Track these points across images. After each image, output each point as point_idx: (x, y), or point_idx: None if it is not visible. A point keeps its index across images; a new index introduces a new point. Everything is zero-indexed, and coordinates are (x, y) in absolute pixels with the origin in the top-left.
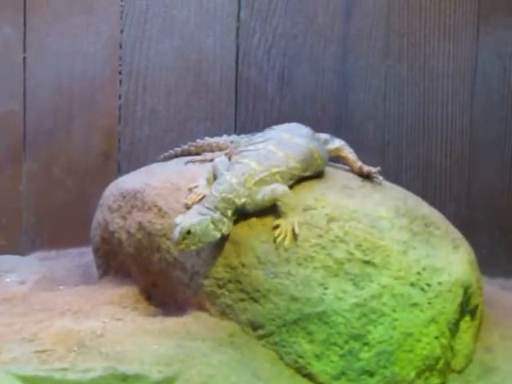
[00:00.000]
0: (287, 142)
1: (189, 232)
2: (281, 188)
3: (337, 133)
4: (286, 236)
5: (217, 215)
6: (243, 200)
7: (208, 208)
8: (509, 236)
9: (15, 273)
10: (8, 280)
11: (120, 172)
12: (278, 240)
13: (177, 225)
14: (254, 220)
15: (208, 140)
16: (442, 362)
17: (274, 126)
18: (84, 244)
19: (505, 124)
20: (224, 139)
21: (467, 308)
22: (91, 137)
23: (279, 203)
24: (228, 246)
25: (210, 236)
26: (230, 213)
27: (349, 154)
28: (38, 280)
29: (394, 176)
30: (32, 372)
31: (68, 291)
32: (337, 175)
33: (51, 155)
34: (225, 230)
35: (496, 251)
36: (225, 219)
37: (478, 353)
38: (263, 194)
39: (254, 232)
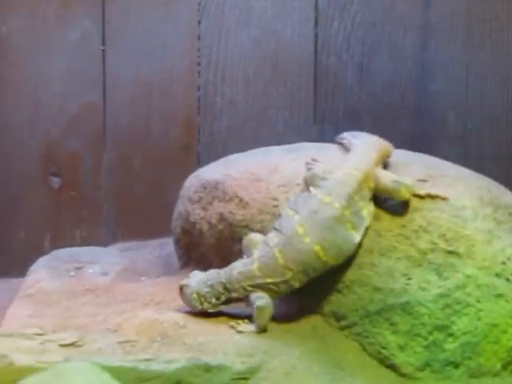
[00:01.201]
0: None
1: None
2: (263, 301)
3: (416, 122)
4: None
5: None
6: (234, 295)
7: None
8: None
9: (97, 264)
10: (91, 271)
11: (200, 163)
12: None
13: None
14: None
15: None
16: None
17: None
18: (164, 235)
19: None
20: None
21: None
22: (170, 128)
23: (255, 314)
24: None
25: (190, 304)
26: (222, 298)
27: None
28: (119, 271)
29: (476, 165)
30: (117, 363)
31: (150, 282)
32: (418, 164)
33: (131, 147)
34: (207, 307)
35: None
36: (214, 301)
37: None
38: (251, 298)
39: None
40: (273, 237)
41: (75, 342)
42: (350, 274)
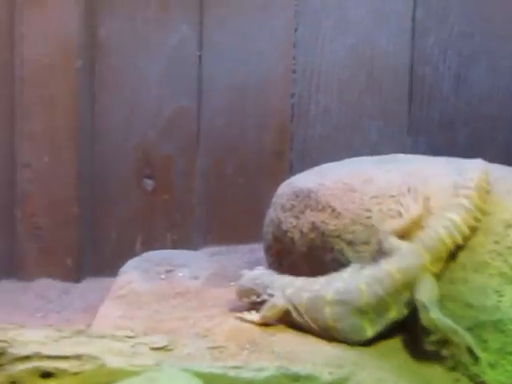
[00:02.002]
0: None
1: None
2: (280, 300)
3: None
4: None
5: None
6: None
7: None
8: None
9: (188, 268)
10: (181, 275)
11: (292, 171)
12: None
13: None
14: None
15: None
16: None
17: None
18: (254, 241)
19: None
20: None
21: None
22: (264, 135)
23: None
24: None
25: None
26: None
27: None
28: (209, 276)
29: None
30: (207, 369)
31: None
32: None
33: (224, 152)
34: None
35: None
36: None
37: None
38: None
39: None
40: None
41: (166, 345)
42: (443, 289)
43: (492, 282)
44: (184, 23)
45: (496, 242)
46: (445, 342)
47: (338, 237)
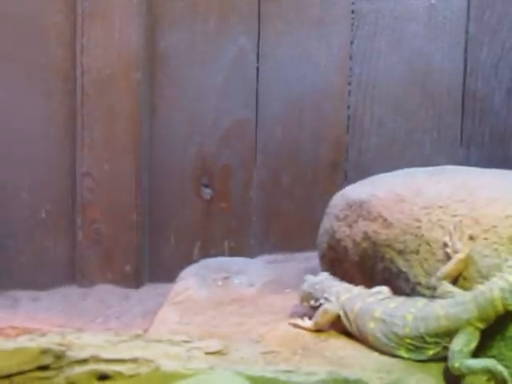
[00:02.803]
0: None
1: None
2: (332, 306)
3: None
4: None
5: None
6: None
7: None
8: None
9: (244, 275)
10: (237, 282)
11: (347, 181)
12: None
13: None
14: (477, 231)
15: None
16: None
17: None
18: (309, 249)
19: None
20: None
21: None
22: (320, 146)
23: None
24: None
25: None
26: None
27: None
28: (265, 283)
29: None
30: (259, 373)
31: (294, 295)
32: None
33: (281, 163)
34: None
35: None
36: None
37: None
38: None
39: (477, 246)
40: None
41: (220, 350)
42: None
43: None
44: (242, 35)
45: None
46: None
47: (389, 246)
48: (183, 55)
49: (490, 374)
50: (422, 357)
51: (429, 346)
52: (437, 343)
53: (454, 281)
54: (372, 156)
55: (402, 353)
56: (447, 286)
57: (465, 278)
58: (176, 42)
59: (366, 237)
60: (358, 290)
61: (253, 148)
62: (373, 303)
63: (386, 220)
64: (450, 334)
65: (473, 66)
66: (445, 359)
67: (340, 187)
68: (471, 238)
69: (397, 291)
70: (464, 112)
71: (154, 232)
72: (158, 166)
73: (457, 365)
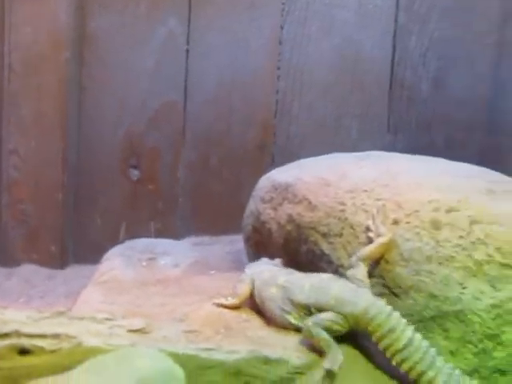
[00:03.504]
0: None
1: None
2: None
3: (489, 137)
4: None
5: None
6: None
7: None
8: None
9: (169, 256)
10: (163, 262)
11: (274, 165)
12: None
13: None
14: (400, 215)
15: None
16: None
17: None
18: (235, 232)
19: None
20: None
21: None
22: (248, 129)
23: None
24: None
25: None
26: None
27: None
28: (191, 264)
29: None
30: (180, 350)
31: (219, 276)
32: (481, 178)
33: (209, 145)
34: None
35: None
36: None
37: None
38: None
39: (400, 230)
40: None
41: (143, 328)
42: (408, 280)
43: (456, 274)
44: (173, 19)
45: (461, 237)
46: None
47: (313, 229)
48: (113, 37)
49: (324, 349)
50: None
51: None
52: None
53: (376, 263)
54: (300, 141)
55: (291, 319)
56: (360, 272)
57: (387, 261)
58: (106, 23)
59: (291, 219)
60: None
61: (181, 130)
62: (281, 272)
63: (310, 203)
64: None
65: (401, 55)
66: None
67: (267, 170)
68: (395, 222)
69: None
70: (391, 100)
71: (81, 212)
72: (86, 146)
73: (310, 323)
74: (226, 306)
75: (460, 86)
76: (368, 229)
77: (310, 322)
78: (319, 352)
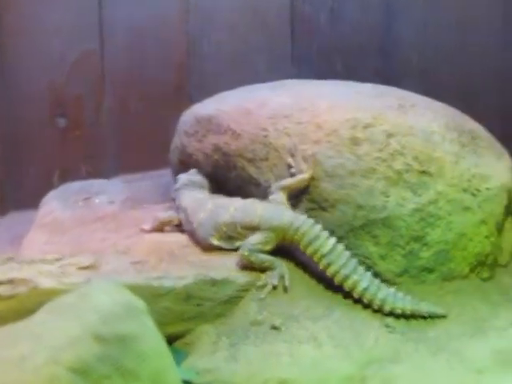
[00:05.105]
0: None
1: None
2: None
3: (383, 60)
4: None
5: None
6: None
7: None
8: None
9: (104, 194)
10: (98, 201)
11: (192, 103)
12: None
13: None
14: (321, 136)
15: None
16: (491, 258)
17: None
18: (162, 167)
19: None
20: None
21: (509, 209)
22: (164, 71)
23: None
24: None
25: None
26: None
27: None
28: (124, 200)
29: (436, 98)
30: (132, 281)
31: (151, 208)
32: (391, 95)
33: (128, 89)
34: None
35: None
36: None
37: None
38: None
39: (321, 148)
40: None
41: (91, 264)
42: (334, 194)
43: (378, 185)
44: None
45: (380, 150)
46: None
47: (240, 155)
48: None
49: (270, 268)
50: (229, 246)
51: (238, 237)
52: (245, 236)
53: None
54: (213, 78)
55: (215, 240)
56: (280, 198)
57: (313, 178)
58: None
59: (217, 148)
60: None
61: (101, 77)
62: (210, 199)
63: (234, 132)
64: (256, 231)
65: None
66: None
67: (185, 108)
68: (316, 142)
69: (249, 196)
70: (293, 33)
71: (15, 162)
72: (13, 101)
73: (246, 253)
74: (145, 230)
75: (354, 16)
76: (289, 166)
77: (244, 251)
78: (261, 270)
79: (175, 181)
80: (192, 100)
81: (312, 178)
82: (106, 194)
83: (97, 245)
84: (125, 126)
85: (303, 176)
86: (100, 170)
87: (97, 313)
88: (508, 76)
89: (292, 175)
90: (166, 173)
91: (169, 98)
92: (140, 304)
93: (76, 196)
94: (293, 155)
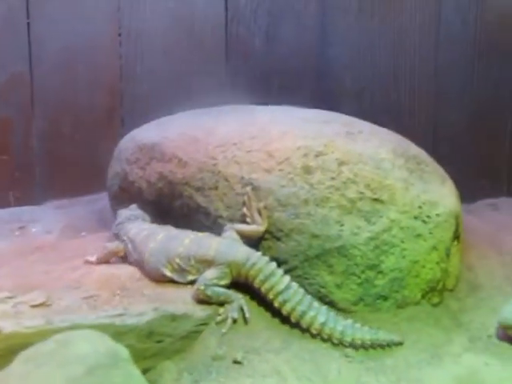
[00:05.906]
0: None
1: None
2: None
3: (318, 82)
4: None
5: None
6: None
7: None
8: (469, 168)
9: (39, 222)
10: (34, 230)
11: (124, 126)
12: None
13: None
14: (272, 164)
15: None
16: (441, 283)
17: None
18: (93, 192)
19: (465, 72)
20: None
21: (456, 234)
22: (96, 94)
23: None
24: (249, 191)
25: None
26: None
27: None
28: (61, 228)
29: (371, 119)
30: (95, 321)
31: (90, 237)
32: (337, 122)
33: (59, 112)
34: None
35: (459, 181)
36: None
37: (462, 272)
38: None
39: (273, 177)
40: None
41: (44, 301)
42: (289, 224)
43: (333, 213)
44: None
45: (332, 179)
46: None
47: (187, 184)
48: None
49: (227, 302)
50: (181, 279)
51: (191, 270)
52: (198, 270)
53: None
54: (146, 101)
55: (167, 271)
56: (234, 235)
57: (265, 207)
58: None
59: (162, 177)
60: (150, 225)
61: (30, 100)
62: (161, 230)
63: (181, 160)
64: (211, 266)
65: (234, 13)
66: None
67: (118, 131)
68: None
69: (197, 225)
70: (228, 55)
71: None
72: None
73: (202, 287)
74: (90, 262)
75: (289, 38)
76: (245, 215)
77: (200, 286)
78: (218, 304)
79: (116, 216)
80: (124, 124)
81: (265, 232)
82: (41, 221)
83: (41, 278)
84: (55, 149)
85: (258, 228)
86: (28, 195)
87: (81, 364)
88: (439, 98)
89: (247, 223)
90: (98, 198)
91: (101, 121)
92: (123, 352)
93: (9, 224)
94: (247, 207)
